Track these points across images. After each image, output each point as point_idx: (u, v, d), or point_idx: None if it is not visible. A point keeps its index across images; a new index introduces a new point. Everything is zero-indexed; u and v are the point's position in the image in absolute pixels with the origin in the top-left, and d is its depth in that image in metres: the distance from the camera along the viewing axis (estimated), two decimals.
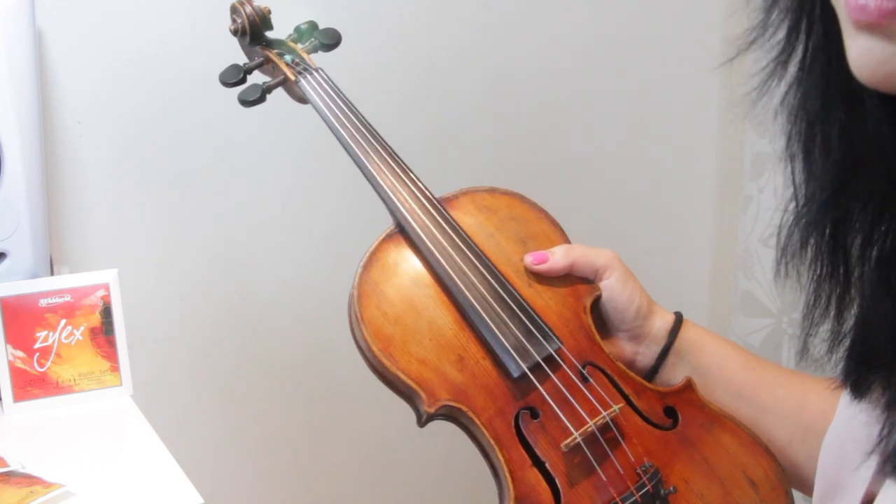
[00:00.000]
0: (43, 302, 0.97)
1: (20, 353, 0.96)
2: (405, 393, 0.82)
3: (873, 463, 0.56)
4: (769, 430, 0.83)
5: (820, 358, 0.57)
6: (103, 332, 0.98)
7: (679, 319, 0.87)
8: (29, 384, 0.96)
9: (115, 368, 0.98)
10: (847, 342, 0.55)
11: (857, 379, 0.55)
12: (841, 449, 0.62)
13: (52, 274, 1.03)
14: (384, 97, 1.32)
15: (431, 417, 0.80)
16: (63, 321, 0.97)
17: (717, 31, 1.51)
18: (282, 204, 1.30)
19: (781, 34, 0.53)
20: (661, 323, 0.87)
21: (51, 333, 0.97)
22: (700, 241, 1.61)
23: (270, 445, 1.36)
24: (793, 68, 0.53)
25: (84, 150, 1.18)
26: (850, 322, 0.54)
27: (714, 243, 1.61)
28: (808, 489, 0.83)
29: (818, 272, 0.55)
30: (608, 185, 1.51)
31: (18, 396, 0.96)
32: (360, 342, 0.82)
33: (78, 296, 0.98)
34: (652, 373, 0.88)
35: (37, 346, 0.97)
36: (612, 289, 0.86)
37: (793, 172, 0.54)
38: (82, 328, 0.98)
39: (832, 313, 0.55)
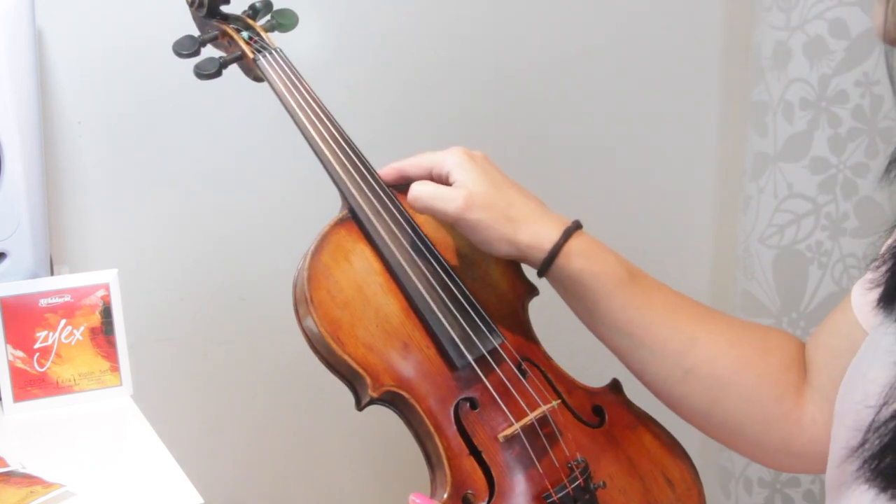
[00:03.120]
0: (43, 302, 0.97)
1: (20, 353, 0.96)
2: (348, 377, 0.83)
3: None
4: (645, 365, 0.84)
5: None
6: (103, 332, 0.98)
7: (552, 255, 0.82)
8: (29, 384, 0.96)
9: (115, 368, 0.98)
10: None
11: (886, 291, 0.58)
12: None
13: (52, 274, 1.03)
14: (382, 97, 1.32)
15: (373, 402, 0.81)
16: (63, 321, 0.97)
17: (718, 31, 1.52)
18: (282, 203, 1.30)
19: None
20: (537, 254, 0.82)
21: (51, 333, 0.97)
22: (700, 241, 1.61)
23: (271, 445, 1.36)
24: None
25: (84, 150, 1.18)
26: None
27: (714, 243, 1.61)
28: (687, 420, 0.85)
29: None
30: (608, 184, 1.51)
31: (18, 396, 0.96)
32: (305, 323, 0.83)
33: (78, 296, 0.98)
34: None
35: (37, 346, 0.96)
36: (467, 237, 0.83)
37: None
38: (82, 328, 0.98)
39: None
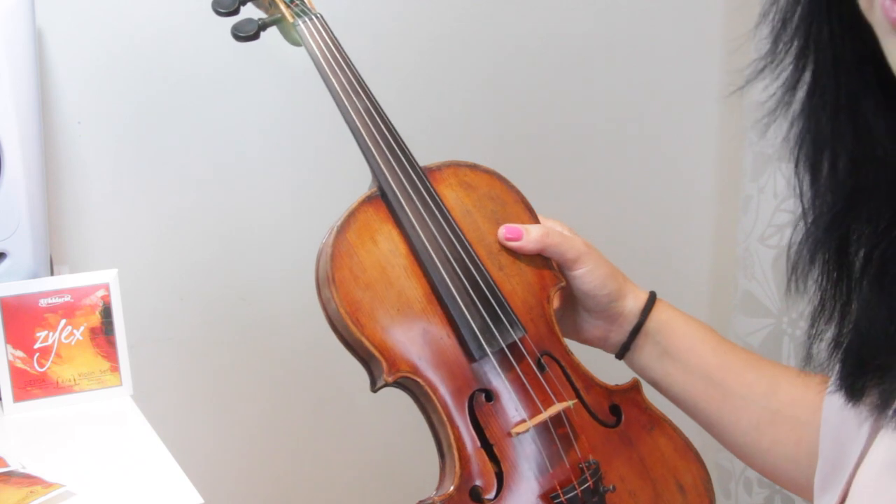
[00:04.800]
0: (43, 302, 0.97)
1: (20, 353, 0.96)
2: (364, 358, 0.82)
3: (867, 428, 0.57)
4: (736, 414, 0.84)
5: (822, 363, 0.58)
6: (103, 332, 0.98)
7: (651, 300, 0.88)
8: (29, 384, 0.96)
9: (115, 368, 0.98)
10: (844, 348, 0.56)
11: (853, 382, 0.56)
12: (837, 437, 0.62)
13: (52, 274, 1.03)
14: (381, 92, 1.32)
15: (387, 385, 0.80)
16: (63, 321, 0.97)
17: (718, 32, 1.52)
18: (282, 203, 1.30)
19: (789, 60, 0.54)
20: (633, 303, 0.88)
21: (51, 333, 0.97)
22: (700, 241, 1.61)
23: (271, 445, 1.36)
24: (801, 93, 0.54)
25: (84, 150, 1.18)
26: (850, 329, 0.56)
27: (714, 243, 1.61)
28: (775, 475, 0.84)
29: (824, 285, 0.56)
30: (608, 184, 1.51)
31: (18, 396, 0.96)
32: (326, 301, 0.81)
33: (78, 296, 0.98)
34: (623, 350, 0.89)
35: (37, 346, 0.96)
36: (582, 278, 0.86)
37: (800, 192, 0.55)
38: (82, 328, 0.98)
39: (835, 322, 0.56)
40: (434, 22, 1.34)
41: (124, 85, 1.18)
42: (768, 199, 1.40)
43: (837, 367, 0.57)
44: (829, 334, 0.57)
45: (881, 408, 0.53)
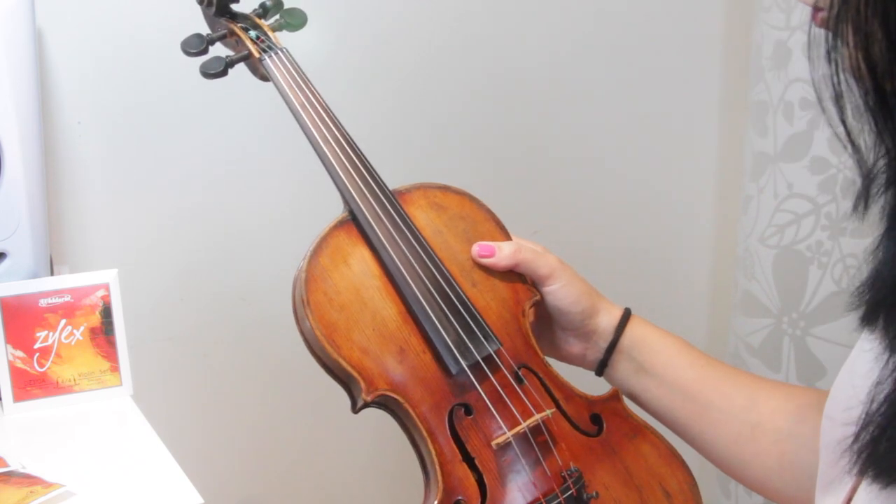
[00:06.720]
0: (43, 302, 0.97)
1: (20, 353, 0.96)
2: (343, 379, 0.84)
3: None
4: (716, 427, 0.84)
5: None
6: (103, 332, 0.98)
7: (625, 317, 0.89)
8: (29, 384, 0.96)
9: (115, 368, 0.98)
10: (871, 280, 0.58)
11: (869, 313, 0.58)
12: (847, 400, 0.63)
13: (52, 274, 1.03)
14: (378, 97, 1.32)
15: (367, 405, 0.81)
16: (63, 321, 0.97)
17: (718, 31, 1.52)
18: (282, 203, 1.30)
19: None
20: (607, 320, 0.89)
21: (51, 333, 0.97)
22: (700, 241, 1.61)
23: (270, 445, 1.36)
24: None
25: (84, 150, 1.18)
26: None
27: (714, 243, 1.61)
28: (761, 488, 0.84)
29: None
30: (608, 184, 1.51)
31: (18, 396, 0.96)
32: (303, 325, 0.83)
33: (78, 296, 0.98)
34: (601, 367, 0.90)
35: (37, 346, 0.96)
36: (555, 294, 0.87)
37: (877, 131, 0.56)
38: (82, 328, 0.98)
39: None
40: (434, 22, 1.34)
41: (124, 85, 1.18)
42: (768, 199, 1.40)
43: (859, 292, 0.59)
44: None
45: (890, 348, 0.54)
